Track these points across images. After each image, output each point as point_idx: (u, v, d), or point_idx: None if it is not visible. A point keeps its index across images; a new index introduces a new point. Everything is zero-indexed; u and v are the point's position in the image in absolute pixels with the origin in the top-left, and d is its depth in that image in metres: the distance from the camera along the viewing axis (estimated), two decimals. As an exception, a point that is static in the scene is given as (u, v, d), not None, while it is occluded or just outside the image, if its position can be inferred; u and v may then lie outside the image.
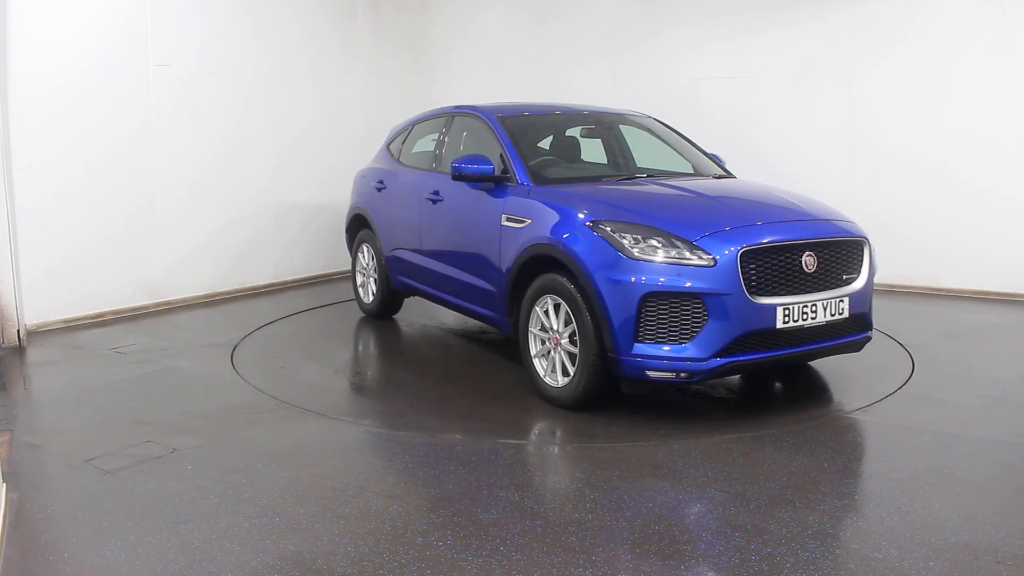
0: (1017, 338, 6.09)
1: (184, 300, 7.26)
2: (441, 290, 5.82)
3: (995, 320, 6.57)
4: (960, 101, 7.22)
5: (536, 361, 4.68)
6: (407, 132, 6.74)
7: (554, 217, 4.62)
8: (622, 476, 3.59)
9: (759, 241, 4.19)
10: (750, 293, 4.11)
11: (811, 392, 4.84)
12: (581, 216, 4.46)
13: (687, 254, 4.11)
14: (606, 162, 5.94)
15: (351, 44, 8.94)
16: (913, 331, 6.04)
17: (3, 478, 3.38)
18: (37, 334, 6.11)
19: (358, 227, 6.97)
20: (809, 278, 4.29)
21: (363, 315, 6.98)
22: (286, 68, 8.14)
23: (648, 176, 5.42)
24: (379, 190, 6.65)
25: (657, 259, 4.12)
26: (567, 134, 5.96)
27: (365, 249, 6.87)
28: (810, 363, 5.08)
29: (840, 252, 4.46)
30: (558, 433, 4.25)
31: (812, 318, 4.26)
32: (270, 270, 8.14)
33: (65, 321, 6.41)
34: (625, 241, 4.20)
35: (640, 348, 4.14)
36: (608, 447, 3.95)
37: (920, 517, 3.16)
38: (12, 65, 5.93)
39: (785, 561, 2.85)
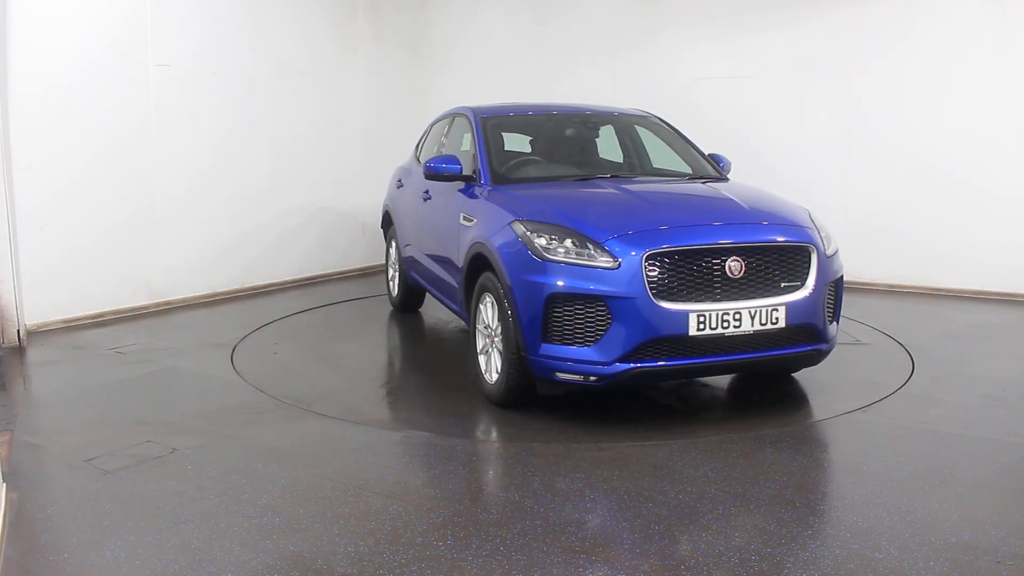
0: (1017, 338, 6.08)
1: (184, 300, 7.26)
2: (433, 285, 5.93)
3: (995, 320, 6.57)
4: (960, 101, 7.21)
5: (480, 358, 4.69)
6: (427, 132, 6.86)
7: (492, 217, 4.65)
8: (622, 476, 3.59)
9: (672, 244, 4.05)
10: (657, 297, 3.98)
11: (810, 392, 4.83)
12: (508, 216, 4.47)
13: (594, 256, 4.07)
14: (621, 161, 5.85)
15: (351, 44, 8.93)
16: (913, 331, 6.04)
17: (3, 478, 3.38)
18: (37, 334, 6.11)
19: (387, 223, 7.16)
20: (735, 284, 4.08)
21: (392, 308, 7.14)
22: (286, 68, 8.14)
23: (612, 177, 5.26)
24: (398, 188, 6.83)
25: (564, 260, 4.10)
26: (557, 134, 5.92)
27: (393, 244, 7.04)
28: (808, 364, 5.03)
29: (776, 258, 4.21)
30: (559, 433, 4.24)
31: (736, 327, 4.05)
32: (270, 270, 8.13)
33: (65, 321, 6.40)
34: (539, 242, 4.20)
35: (548, 349, 4.13)
36: (609, 447, 3.94)
37: (920, 517, 3.16)
38: (12, 65, 5.92)
39: (785, 561, 2.85)
